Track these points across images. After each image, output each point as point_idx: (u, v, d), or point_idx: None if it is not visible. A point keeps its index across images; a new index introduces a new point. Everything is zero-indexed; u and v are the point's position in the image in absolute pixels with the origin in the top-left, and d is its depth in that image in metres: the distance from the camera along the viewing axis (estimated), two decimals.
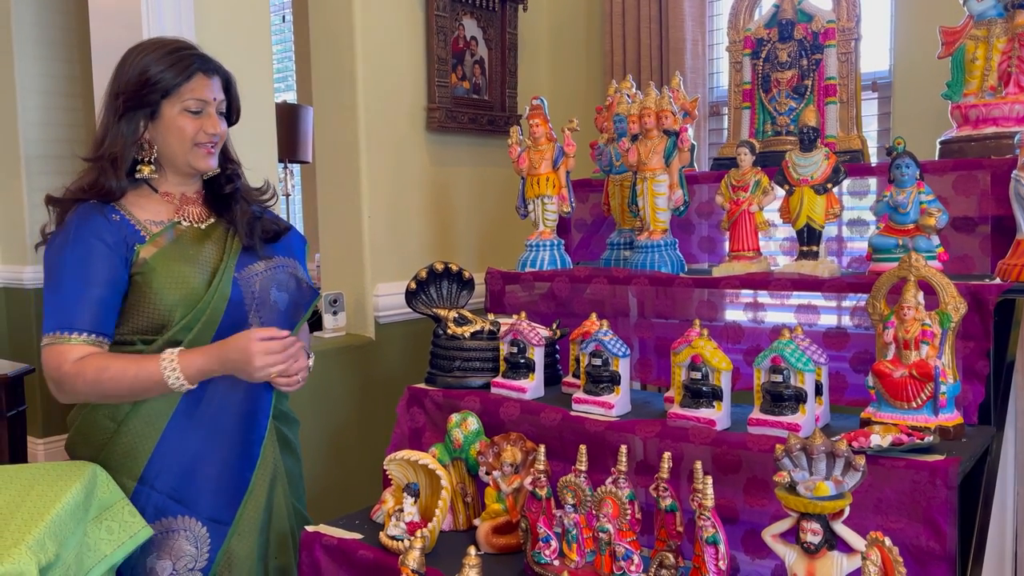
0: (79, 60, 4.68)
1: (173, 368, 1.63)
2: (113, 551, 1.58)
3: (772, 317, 2.03)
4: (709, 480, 1.43)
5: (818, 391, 1.68)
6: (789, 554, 1.34)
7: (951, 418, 1.56)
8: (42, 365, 1.66)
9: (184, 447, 1.70)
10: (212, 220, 1.82)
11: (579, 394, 1.90)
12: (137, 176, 1.74)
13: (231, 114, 1.82)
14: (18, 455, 3.23)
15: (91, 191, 1.70)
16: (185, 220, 1.77)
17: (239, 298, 1.75)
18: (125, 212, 1.72)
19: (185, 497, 1.71)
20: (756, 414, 1.65)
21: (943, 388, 1.54)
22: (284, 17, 4.82)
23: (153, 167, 1.75)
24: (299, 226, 4.96)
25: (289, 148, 4.10)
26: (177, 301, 1.69)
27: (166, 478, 1.70)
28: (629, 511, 1.51)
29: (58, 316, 1.65)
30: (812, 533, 1.30)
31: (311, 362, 1.83)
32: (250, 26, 2.53)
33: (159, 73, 1.68)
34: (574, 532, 1.57)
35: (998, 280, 1.74)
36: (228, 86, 1.79)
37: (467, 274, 2.24)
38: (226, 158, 1.84)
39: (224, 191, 1.82)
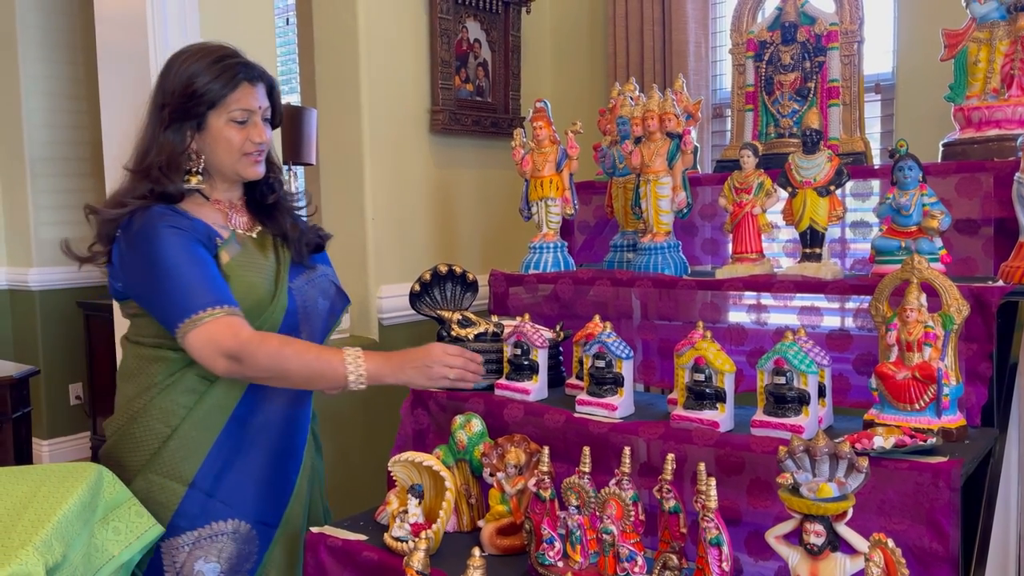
0: (83, 62, 4.70)
1: (358, 364, 1.62)
2: (120, 551, 1.58)
3: (775, 319, 2.03)
4: (712, 482, 1.43)
5: (821, 393, 1.68)
6: (792, 555, 1.34)
7: (954, 420, 1.56)
8: (203, 345, 1.59)
9: (236, 451, 1.70)
10: (259, 228, 1.82)
11: (582, 396, 1.90)
12: (186, 186, 1.72)
13: (274, 117, 1.80)
14: (23, 457, 3.25)
15: (152, 197, 1.68)
16: (238, 228, 1.78)
17: (293, 307, 1.77)
18: (195, 216, 1.71)
19: (234, 500, 1.72)
20: (759, 416, 1.66)
21: (946, 390, 1.54)
22: (288, 19, 4.83)
23: (201, 176, 1.74)
24: None
25: (293, 150, 4.10)
26: (247, 311, 1.68)
27: (217, 482, 1.70)
28: (633, 512, 1.52)
29: (199, 295, 1.60)
30: (815, 535, 1.30)
31: None
32: (254, 28, 2.54)
33: (205, 84, 1.66)
34: (578, 533, 1.57)
35: (1001, 282, 1.74)
36: (271, 91, 1.77)
37: (471, 276, 2.25)
38: (269, 164, 1.82)
39: (267, 200, 1.81)
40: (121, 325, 2.42)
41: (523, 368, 2.04)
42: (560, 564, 1.58)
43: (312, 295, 1.82)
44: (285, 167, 4.02)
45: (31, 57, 4.53)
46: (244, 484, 1.73)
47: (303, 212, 1.93)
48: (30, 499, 1.47)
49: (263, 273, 1.74)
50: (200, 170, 1.73)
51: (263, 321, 1.70)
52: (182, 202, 1.72)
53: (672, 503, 1.54)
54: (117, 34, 2.37)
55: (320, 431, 2.00)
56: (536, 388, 2.01)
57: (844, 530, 1.31)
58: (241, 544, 1.73)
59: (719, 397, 1.71)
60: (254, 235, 1.80)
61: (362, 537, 1.80)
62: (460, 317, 2.15)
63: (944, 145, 2.12)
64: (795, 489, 1.32)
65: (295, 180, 4.25)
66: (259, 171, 1.76)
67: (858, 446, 1.45)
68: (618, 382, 1.87)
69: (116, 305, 2.40)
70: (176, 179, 1.69)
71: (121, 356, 1.85)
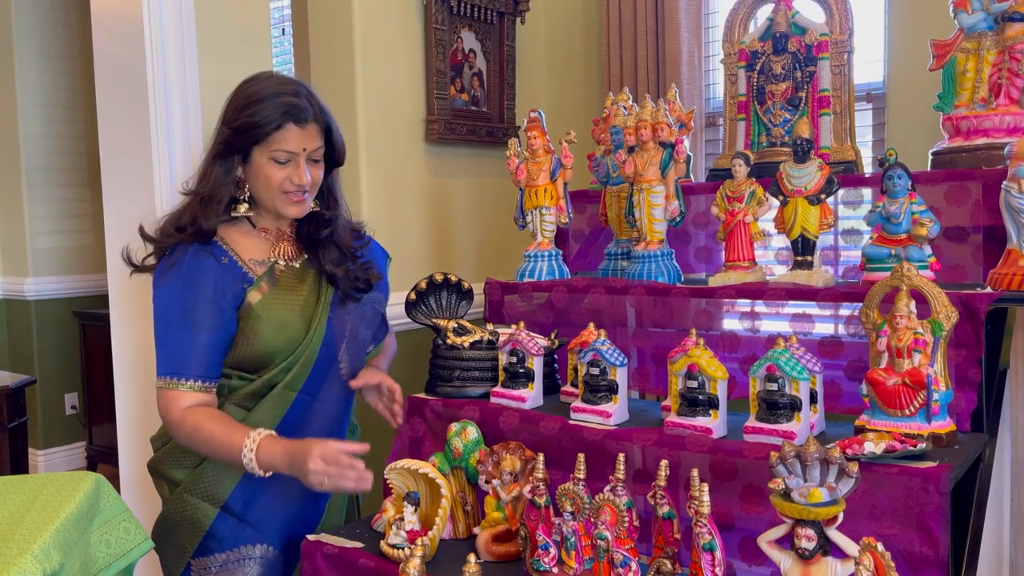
0: (80, 71, 4.72)
1: (251, 451, 1.63)
2: (107, 565, 1.59)
3: (767, 326, 2.05)
4: (705, 487, 1.45)
5: (813, 399, 1.70)
6: (784, 560, 1.36)
7: (944, 425, 1.58)
8: (157, 405, 1.71)
9: (270, 477, 1.71)
10: (304, 258, 1.82)
11: (577, 403, 1.91)
12: (233, 215, 1.74)
13: (335, 156, 1.80)
14: (19, 467, 3.25)
15: (190, 230, 1.70)
16: (281, 259, 1.79)
17: (331, 337, 1.79)
18: (232, 253, 1.73)
19: (264, 525, 1.75)
20: (752, 422, 1.67)
21: (935, 396, 1.56)
22: (284, 30, 4.85)
23: (248, 205, 1.76)
24: None
25: None
26: (279, 347, 1.72)
27: (248, 506, 1.73)
28: (627, 518, 1.53)
29: (169, 362, 1.68)
30: (807, 539, 1.31)
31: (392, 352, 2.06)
32: (251, 40, 2.55)
33: (252, 120, 1.66)
34: (573, 539, 1.59)
35: (989, 289, 1.76)
36: (329, 131, 1.76)
37: (466, 284, 2.26)
38: (330, 198, 1.83)
39: (320, 235, 1.81)
40: (117, 335, 2.43)
41: (518, 376, 2.05)
42: (555, 570, 1.59)
43: (354, 324, 1.85)
44: None
45: (27, 66, 4.55)
46: (274, 509, 1.76)
47: (360, 249, 1.91)
48: (28, 507, 1.48)
49: (295, 309, 1.75)
50: (247, 199, 1.76)
51: (298, 355, 1.73)
52: (228, 230, 1.75)
53: (666, 509, 1.55)
54: (114, 44, 2.38)
55: None
56: (531, 396, 2.02)
57: (835, 534, 1.33)
58: (268, 569, 1.76)
59: (712, 404, 1.72)
60: (297, 265, 1.80)
61: (358, 544, 1.81)
62: (456, 325, 2.17)
63: (933, 154, 2.14)
64: (787, 494, 1.34)
65: None
66: (299, 211, 1.76)
67: (849, 451, 1.47)
68: (612, 389, 1.88)
69: (111, 315, 2.42)
70: (212, 214, 1.70)
71: None
